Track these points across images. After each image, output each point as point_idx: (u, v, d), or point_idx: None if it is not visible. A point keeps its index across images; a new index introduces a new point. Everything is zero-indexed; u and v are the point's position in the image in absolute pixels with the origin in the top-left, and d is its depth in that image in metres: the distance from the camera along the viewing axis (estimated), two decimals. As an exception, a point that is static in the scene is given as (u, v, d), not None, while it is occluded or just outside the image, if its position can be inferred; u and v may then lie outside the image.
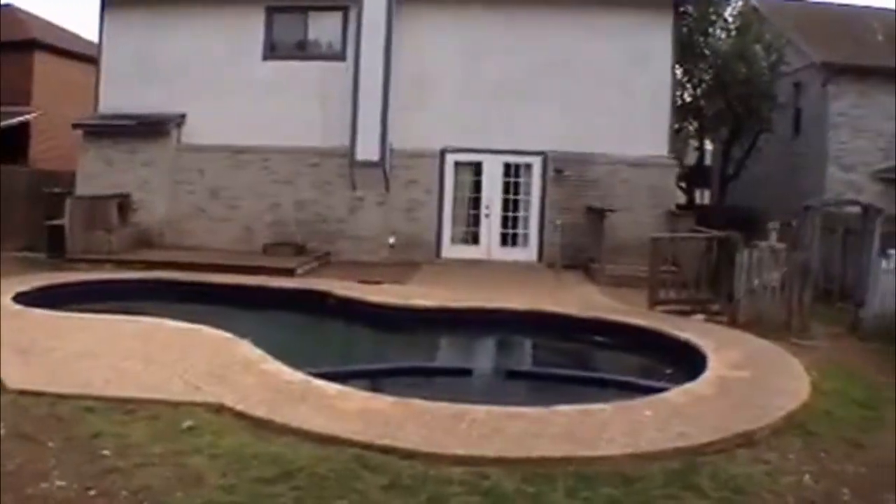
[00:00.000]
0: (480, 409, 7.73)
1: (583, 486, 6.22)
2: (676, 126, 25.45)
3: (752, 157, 26.99)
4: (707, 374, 9.51)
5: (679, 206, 23.61)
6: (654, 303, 14.05)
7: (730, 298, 13.69)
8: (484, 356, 13.28)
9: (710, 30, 26.78)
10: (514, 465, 6.52)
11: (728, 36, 27.25)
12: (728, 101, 25.50)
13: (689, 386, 8.96)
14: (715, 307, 14.01)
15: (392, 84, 19.59)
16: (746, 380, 9.39)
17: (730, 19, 27.73)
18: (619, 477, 6.40)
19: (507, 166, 20.25)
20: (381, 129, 19.57)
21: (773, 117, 25.86)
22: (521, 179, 20.27)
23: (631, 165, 19.79)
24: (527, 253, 20.18)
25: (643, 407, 8.02)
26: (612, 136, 19.61)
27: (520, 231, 20.34)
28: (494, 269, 18.82)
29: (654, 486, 6.33)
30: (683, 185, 29.75)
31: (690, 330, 12.10)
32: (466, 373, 11.07)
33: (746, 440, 7.36)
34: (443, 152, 20.18)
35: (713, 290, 14.30)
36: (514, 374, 11.30)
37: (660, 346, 11.80)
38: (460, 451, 6.71)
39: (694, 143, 31.04)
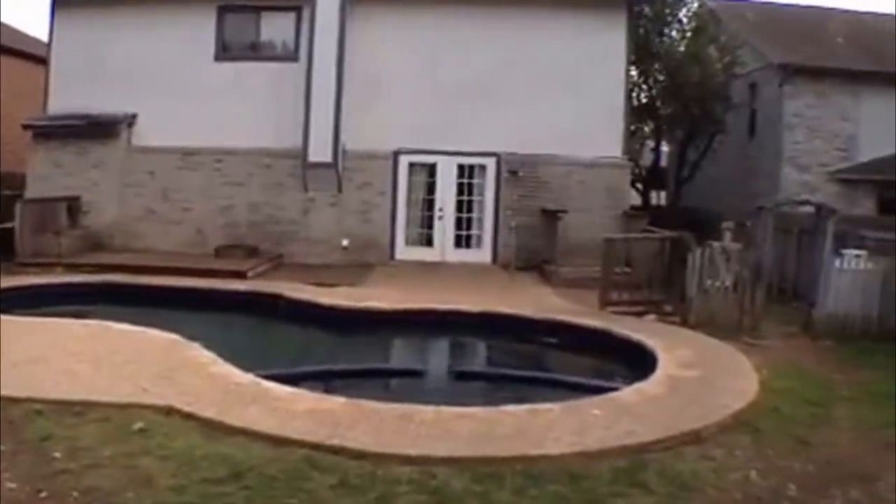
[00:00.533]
0: (430, 410, 7.72)
1: (531, 485, 6.23)
2: (632, 127, 25.72)
3: (707, 158, 27.21)
4: (657, 374, 9.56)
5: (635, 208, 23.74)
6: (605, 303, 14.08)
7: (682, 298, 13.77)
8: (436, 358, 13.24)
9: (666, 31, 26.98)
10: (463, 464, 6.52)
11: (683, 38, 27.47)
12: (683, 103, 25.67)
13: (639, 385, 9.00)
14: (668, 307, 14.08)
15: (345, 85, 19.46)
16: (696, 379, 9.45)
17: (685, 21, 27.92)
18: (567, 475, 6.41)
19: (462, 168, 20.21)
20: (334, 130, 19.42)
21: (727, 119, 26.11)
22: (476, 181, 20.24)
23: (586, 166, 19.82)
24: (481, 254, 20.16)
25: (592, 406, 8.04)
26: (567, 137, 19.57)
27: (474, 232, 20.32)
28: (448, 271, 18.79)
29: (602, 483, 6.35)
30: (640, 186, 29.94)
31: (642, 330, 12.15)
32: (418, 374, 11.06)
33: (694, 438, 7.41)
34: (396, 153, 20.09)
35: (666, 291, 14.37)
36: (465, 376, 11.28)
37: (611, 346, 11.85)
38: (409, 451, 6.71)
39: (650, 144, 31.19)
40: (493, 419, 7.53)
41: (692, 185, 28.07)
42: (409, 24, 20.02)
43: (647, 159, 31.23)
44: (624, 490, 6.25)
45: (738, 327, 13.19)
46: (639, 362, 10.51)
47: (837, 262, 13.95)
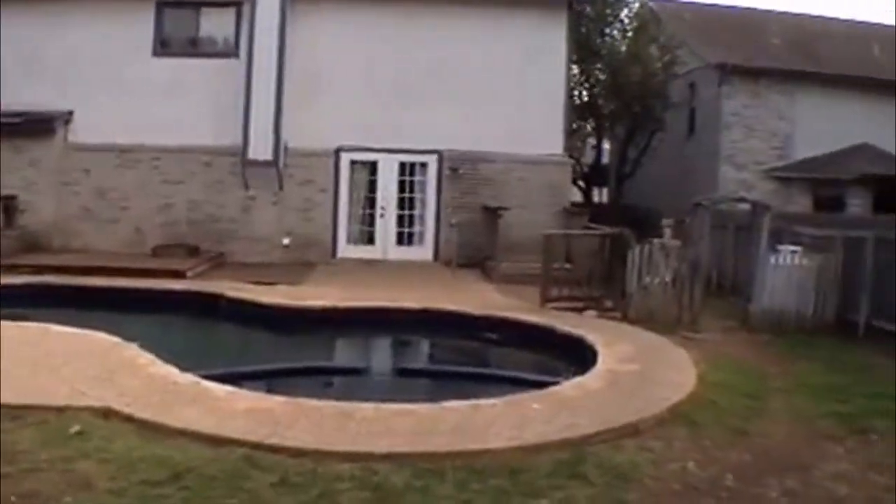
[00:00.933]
0: (370, 407, 7.70)
1: (473, 479, 6.24)
2: (575, 125, 25.98)
3: (647, 156, 27.52)
4: (597, 369, 9.64)
5: (577, 205, 23.94)
6: (546, 300, 14.14)
7: (623, 294, 13.90)
8: (377, 355, 13.25)
9: (607, 31, 27.21)
10: (404, 460, 6.51)
11: (624, 37, 27.74)
12: (624, 101, 25.92)
13: (579, 380, 9.07)
14: (608, 303, 14.18)
15: (286, 82, 19.35)
16: (635, 373, 9.54)
17: (626, 21, 28.19)
18: (508, 469, 6.44)
19: (403, 165, 20.22)
20: (275, 127, 19.29)
21: (666, 117, 26.42)
22: (417, 178, 20.27)
23: (527, 163, 19.92)
24: (423, 252, 20.19)
25: (532, 401, 8.08)
26: (509, 134, 19.66)
27: (416, 230, 20.34)
28: (390, 269, 18.79)
29: (541, 475, 6.39)
30: (582, 183, 30.19)
31: (583, 326, 12.25)
32: (359, 372, 11.02)
33: (633, 431, 7.48)
34: (338, 151, 20.03)
35: (606, 287, 14.47)
36: (407, 373, 11.25)
37: (553, 342, 11.91)
38: (349, 448, 6.68)
39: (592, 142, 31.46)
40: (435, 415, 7.54)
41: (633, 183, 28.38)
42: (350, 21, 19.93)
43: (589, 157, 31.50)
44: (563, 482, 6.29)
45: (677, 322, 13.33)
46: (580, 357, 10.57)
47: (773, 258, 14.21)
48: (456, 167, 19.98)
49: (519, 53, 20.00)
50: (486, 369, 11.47)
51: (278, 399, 8.00)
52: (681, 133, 27.90)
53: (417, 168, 20.25)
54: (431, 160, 20.14)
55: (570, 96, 23.65)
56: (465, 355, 12.87)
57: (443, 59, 19.86)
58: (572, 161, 22.07)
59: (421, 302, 13.89)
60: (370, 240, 20.35)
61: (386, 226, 20.25)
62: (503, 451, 6.74)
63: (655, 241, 14.30)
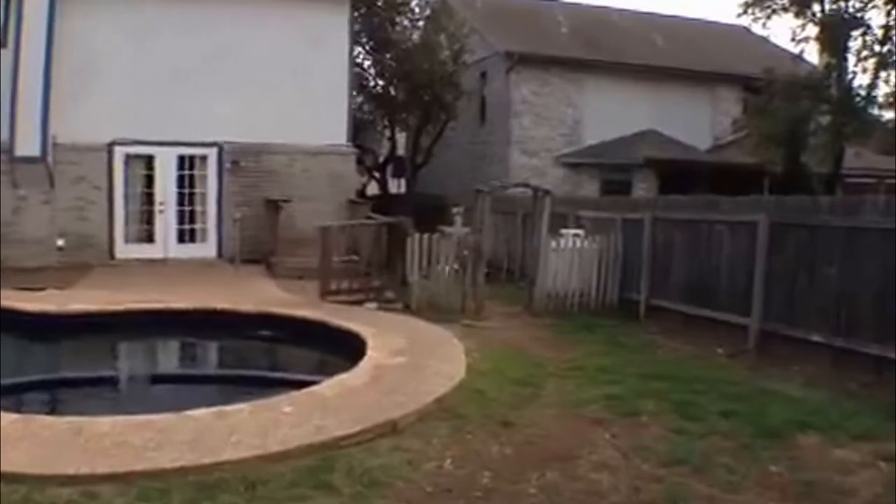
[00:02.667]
0: (106, 421, 6.95)
1: (202, 497, 5.65)
2: (370, 116, 25.61)
3: (441, 144, 27.41)
4: (363, 363, 9.17)
5: (371, 196, 23.59)
6: (325, 293, 13.65)
7: (404, 284, 13.54)
8: (132, 361, 12.27)
9: (398, 20, 26.88)
10: (129, 479, 5.85)
11: (415, 26, 27.53)
12: (414, 91, 25.67)
13: (341, 377, 8.56)
14: (389, 294, 13.83)
15: (57, 73, 17.90)
16: (403, 366, 9.12)
17: (417, 10, 27.98)
18: (244, 482, 5.87)
19: (182, 159, 19.20)
20: (43, 121, 17.74)
21: (459, 106, 26.34)
22: (197, 172, 19.30)
23: (310, 154, 19.37)
24: (206, 249, 19.27)
25: (285, 403, 7.51)
26: (291, 125, 18.95)
27: (198, 226, 19.38)
28: (171, 268, 17.89)
29: (282, 487, 5.85)
30: (378, 175, 29.91)
31: (357, 319, 11.74)
32: (106, 381, 10.14)
33: (390, 429, 7.05)
34: (111, 145, 18.81)
35: (387, 277, 14.10)
36: (160, 379, 10.49)
37: (326, 337, 11.36)
38: (70, 471, 5.95)
39: (387, 132, 31.21)
40: (172, 426, 6.87)
41: (428, 172, 28.24)
42: (125, 9, 18.64)
43: (385, 147, 31.25)
44: (306, 493, 5.78)
45: (460, 310, 13.10)
46: (351, 352, 10.08)
47: (554, 242, 14.20)
48: (237, 160, 19.17)
49: (300, 41, 19.35)
50: (246, 370, 10.80)
51: (8, 417, 7.12)
52: (474, 121, 27.98)
53: (197, 161, 19.29)
54: (211, 153, 19.24)
55: (361, 86, 23.24)
56: (237, 355, 12.18)
57: (221, 47, 18.89)
58: (357, 151, 21.46)
59: (197, 301, 13.05)
60: (150, 238, 19.23)
61: (166, 223, 19.17)
62: (241, 461, 6.15)
63: (447, 228, 14.07)
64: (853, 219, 10.01)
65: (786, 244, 10.96)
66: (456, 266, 13.51)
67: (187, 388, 10.39)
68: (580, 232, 14.95)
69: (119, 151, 18.93)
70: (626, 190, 24.37)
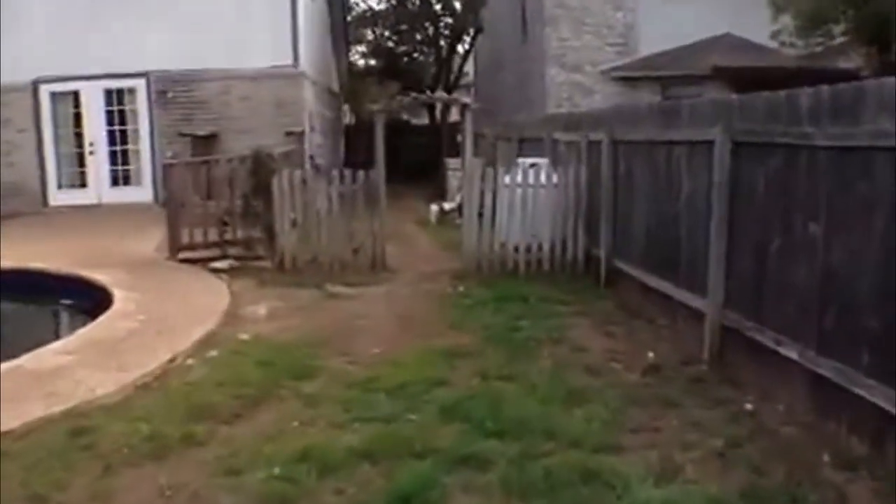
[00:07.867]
0: None
1: None
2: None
3: (492, 66, 24.96)
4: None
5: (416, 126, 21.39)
6: (177, 248, 11.28)
7: (270, 236, 10.98)
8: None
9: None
10: None
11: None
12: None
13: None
14: (260, 249, 11.25)
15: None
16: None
17: None
18: None
19: (109, 93, 17.15)
20: (-41, 61, 16.08)
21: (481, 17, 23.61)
22: (127, 107, 17.23)
23: (248, 79, 16.96)
24: (142, 193, 17.11)
25: None
26: (225, 45, 16.55)
27: (132, 167, 17.37)
28: (98, 215, 16.02)
29: None
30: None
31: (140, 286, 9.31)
32: None
33: None
34: (36, 83, 16.95)
35: (262, 227, 11.36)
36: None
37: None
38: None
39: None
40: None
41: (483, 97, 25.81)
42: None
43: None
44: None
45: (365, 268, 10.66)
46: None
47: (507, 178, 10.99)
48: (164, 90, 16.91)
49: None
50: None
51: None
52: (516, 36, 24.88)
53: (126, 95, 17.19)
54: (140, 85, 17.08)
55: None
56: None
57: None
58: (302, 70, 18.46)
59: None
60: (84, 184, 17.35)
61: (97, 166, 17.21)
62: None
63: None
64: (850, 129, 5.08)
65: (755, 179, 6.37)
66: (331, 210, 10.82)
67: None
68: (539, 161, 11.65)
69: (44, 90, 17.16)
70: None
